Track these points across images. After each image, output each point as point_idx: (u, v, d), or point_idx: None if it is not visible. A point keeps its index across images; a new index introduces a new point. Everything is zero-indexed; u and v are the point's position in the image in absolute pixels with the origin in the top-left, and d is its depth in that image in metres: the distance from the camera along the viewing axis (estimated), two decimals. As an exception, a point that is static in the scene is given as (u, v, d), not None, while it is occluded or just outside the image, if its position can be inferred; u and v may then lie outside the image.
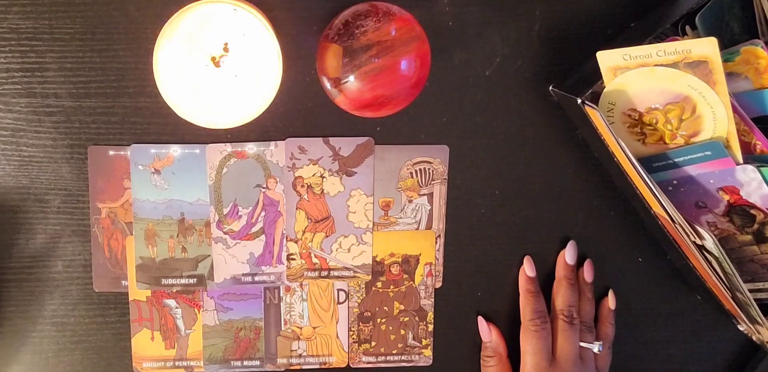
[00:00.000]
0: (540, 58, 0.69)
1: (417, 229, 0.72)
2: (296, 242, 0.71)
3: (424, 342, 0.74)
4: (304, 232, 0.71)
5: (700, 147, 0.61)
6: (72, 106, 0.68)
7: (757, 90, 0.61)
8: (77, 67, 0.67)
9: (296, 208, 0.71)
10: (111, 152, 0.69)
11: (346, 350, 0.74)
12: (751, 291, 0.64)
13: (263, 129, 0.69)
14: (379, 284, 0.73)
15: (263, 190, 0.70)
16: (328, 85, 0.62)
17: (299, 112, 0.69)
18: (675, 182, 0.64)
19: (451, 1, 0.68)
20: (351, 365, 0.74)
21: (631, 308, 0.75)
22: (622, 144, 0.59)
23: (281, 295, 0.72)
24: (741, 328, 0.73)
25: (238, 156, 0.69)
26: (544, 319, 0.71)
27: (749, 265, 0.66)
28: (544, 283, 0.74)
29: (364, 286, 0.73)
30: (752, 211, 0.63)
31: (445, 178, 0.71)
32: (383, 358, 0.74)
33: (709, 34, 0.60)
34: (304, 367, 0.74)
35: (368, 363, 0.74)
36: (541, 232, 0.73)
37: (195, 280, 0.71)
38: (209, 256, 0.71)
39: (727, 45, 0.61)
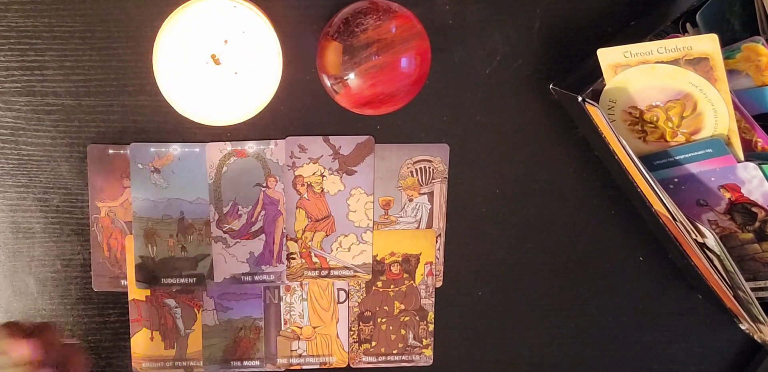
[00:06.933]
0: (540, 56, 0.69)
1: (417, 228, 0.72)
2: (296, 241, 0.71)
3: (424, 342, 0.74)
4: (304, 231, 0.71)
5: (701, 144, 0.61)
6: (72, 104, 0.67)
7: (758, 87, 0.61)
8: (77, 65, 0.67)
9: (296, 207, 0.70)
10: (111, 151, 0.69)
11: (347, 350, 0.73)
12: (752, 289, 0.64)
13: (263, 127, 0.69)
14: (379, 284, 0.73)
15: (263, 188, 0.70)
16: (328, 82, 0.62)
17: (299, 111, 0.69)
18: (676, 180, 0.64)
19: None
20: (351, 365, 0.74)
21: (631, 308, 0.75)
22: (623, 142, 0.59)
23: (281, 294, 0.72)
24: (743, 327, 0.73)
25: (238, 155, 0.69)
26: None
27: (750, 264, 0.66)
28: (544, 282, 0.73)
29: (364, 285, 0.73)
30: (753, 209, 0.63)
31: (446, 177, 0.71)
32: (384, 358, 0.74)
33: (710, 31, 0.60)
34: (304, 367, 0.73)
35: (368, 363, 0.74)
36: (541, 231, 0.73)
37: (195, 279, 0.71)
38: (209, 255, 0.71)
39: (728, 42, 0.61)
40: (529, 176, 0.72)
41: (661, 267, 0.74)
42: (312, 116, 0.69)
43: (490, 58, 0.69)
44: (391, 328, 0.74)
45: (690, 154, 0.62)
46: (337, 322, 0.73)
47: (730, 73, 0.60)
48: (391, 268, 0.72)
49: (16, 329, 0.56)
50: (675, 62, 0.59)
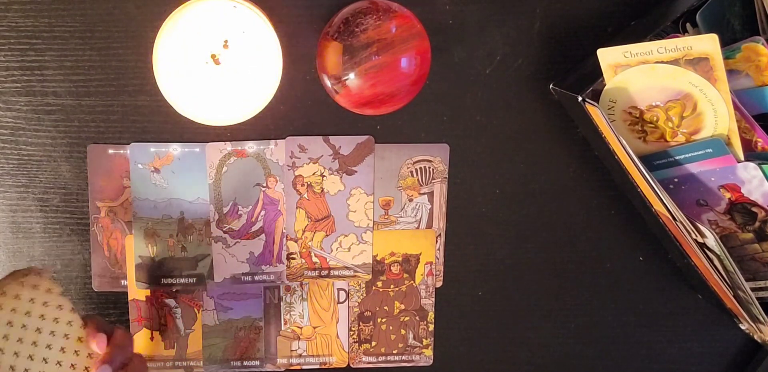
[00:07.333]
0: (540, 56, 0.69)
1: (417, 228, 0.72)
2: (296, 241, 0.71)
3: (424, 342, 0.74)
4: (304, 231, 0.71)
5: (701, 144, 0.61)
6: (71, 104, 0.67)
7: (758, 87, 0.61)
8: (77, 65, 0.67)
9: (296, 207, 0.70)
10: (110, 151, 0.69)
11: (347, 350, 0.73)
12: (752, 289, 0.64)
13: (263, 127, 0.69)
14: (379, 284, 0.73)
15: (263, 188, 0.70)
16: (328, 82, 0.62)
17: (299, 111, 0.69)
18: (676, 180, 0.64)
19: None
20: (351, 365, 0.74)
21: (631, 308, 0.75)
22: (624, 141, 0.59)
23: (281, 294, 0.72)
24: (743, 327, 0.73)
25: (238, 155, 0.69)
26: None
27: (750, 264, 0.66)
28: (544, 282, 0.73)
29: (364, 285, 0.72)
30: (753, 209, 0.63)
31: (446, 177, 0.71)
32: (384, 358, 0.74)
33: (710, 31, 0.60)
34: (304, 367, 0.73)
35: (368, 363, 0.74)
36: (541, 231, 0.73)
37: (195, 279, 0.71)
38: (209, 255, 0.71)
39: (728, 42, 0.61)
40: (529, 176, 0.72)
41: (661, 267, 0.74)
42: (312, 116, 0.69)
43: (490, 58, 0.69)
44: (391, 328, 0.74)
45: (690, 154, 0.62)
46: (337, 322, 0.73)
47: (730, 73, 0.60)
48: (391, 268, 0.72)
49: (101, 324, 0.59)
50: (675, 62, 0.59)
